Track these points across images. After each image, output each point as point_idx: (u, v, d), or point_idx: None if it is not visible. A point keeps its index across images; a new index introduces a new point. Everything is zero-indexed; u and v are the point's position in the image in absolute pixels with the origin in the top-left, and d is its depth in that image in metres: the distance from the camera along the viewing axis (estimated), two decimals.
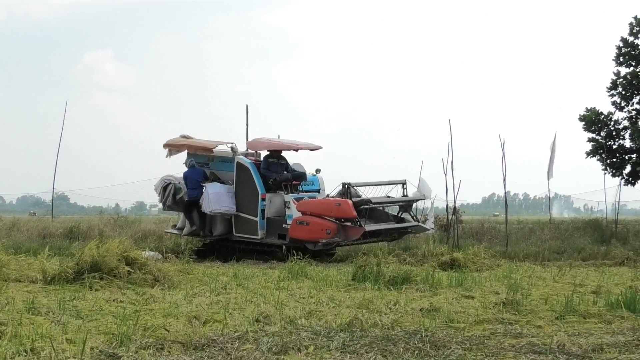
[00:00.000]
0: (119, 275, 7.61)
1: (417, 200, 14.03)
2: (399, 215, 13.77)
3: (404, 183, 13.75)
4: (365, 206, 12.72)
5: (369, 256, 10.63)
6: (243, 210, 13.73)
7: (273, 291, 7.32)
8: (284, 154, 14.29)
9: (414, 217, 14.11)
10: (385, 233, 13.42)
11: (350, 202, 12.40)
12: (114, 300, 6.51)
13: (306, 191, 14.22)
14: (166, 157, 14.95)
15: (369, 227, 12.71)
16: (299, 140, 14.56)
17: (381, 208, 13.63)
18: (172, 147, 14.83)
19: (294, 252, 11.61)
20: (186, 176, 14.32)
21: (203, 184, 14.00)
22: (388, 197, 13.48)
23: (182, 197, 14.41)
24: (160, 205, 15.47)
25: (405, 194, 13.71)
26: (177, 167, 14.47)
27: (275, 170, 13.70)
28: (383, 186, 13.55)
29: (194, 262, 11.40)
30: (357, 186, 13.15)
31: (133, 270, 7.83)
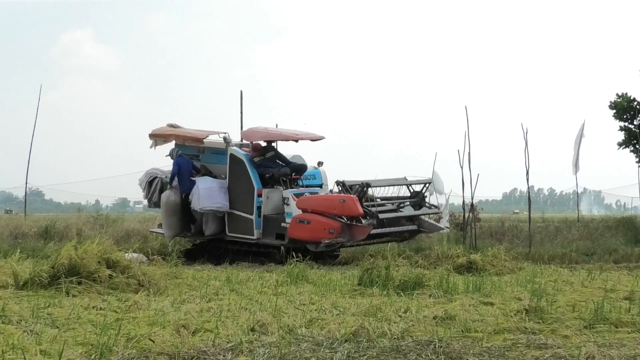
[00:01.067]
0: (99, 280, 7.64)
1: (425, 185, 14.08)
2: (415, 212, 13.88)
3: (429, 182, 14.11)
4: (372, 203, 12.88)
5: (376, 258, 10.66)
6: (237, 208, 13.77)
7: (270, 297, 7.35)
8: (283, 145, 14.39)
9: (432, 207, 14.19)
10: (395, 232, 13.54)
11: (355, 197, 12.47)
12: (93, 307, 6.53)
13: (307, 186, 14.27)
14: (151, 148, 14.96)
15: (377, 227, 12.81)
16: (299, 130, 14.59)
17: (390, 204, 13.73)
18: (159, 138, 14.85)
19: (294, 253, 11.63)
20: (179, 163, 14.24)
21: (193, 178, 14.11)
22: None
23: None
24: (145, 202, 15.50)
25: (425, 195, 13.88)
26: (164, 159, 14.78)
27: (268, 165, 13.77)
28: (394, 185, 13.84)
29: (182, 265, 11.44)
30: (353, 184, 13.15)
31: (115, 274, 7.86)
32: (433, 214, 14.21)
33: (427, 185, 14.13)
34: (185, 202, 14.20)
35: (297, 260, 10.44)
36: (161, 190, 14.56)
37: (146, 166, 15.29)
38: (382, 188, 13.72)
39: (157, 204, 14.91)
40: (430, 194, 14.89)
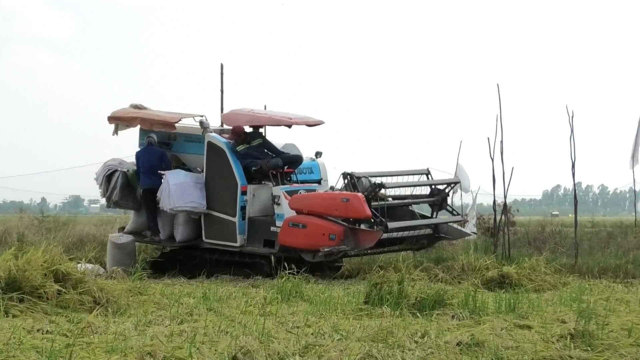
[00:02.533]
0: (45, 297, 7.67)
1: (451, 184, 14.21)
2: (433, 215, 14.03)
3: (426, 173, 14.00)
4: (382, 203, 12.90)
5: (387, 270, 10.73)
6: (216, 208, 13.80)
7: (257, 318, 7.38)
8: (273, 132, 14.53)
9: (453, 211, 14.27)
10: (410, 238, 13.55)
11: (362, 196, 12.53)
12: (38, 330, 6.54)
13: (302, 182, 14.30)
14: (112, 134, 14.96)
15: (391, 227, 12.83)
16: (293, 113, 14.54)
17: (405, 206, 13.83)
18: (120, 121, 14.84)
19: (286, 264, 11.50)
20: (138, 157, 14.45)
21: (162, 172, 14.09)
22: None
23: (134, 188, 14.68)
24: (103, 201, 15.57)
25: (448, 195, 13.94)
26: (127, 147, 15.11)
27: (254, 156, 13.80)
28: (403, 178, 13.87)
29: (148, 279, 11.50)
30: (366, 177, 13.33)
31: (65, 290, 7.91)
32: (455, 221, 14.22)
33: (452, 185, 14.25)
34: (148, 200, 14.37)
35: (289, 273, 10.41)
36: (123, 187, 14.63)
37: (105, 157, 15.42)
38: (393, 180, 13.79)
39: (117, 204, 14.99)
40: (454, 193, 14.98)
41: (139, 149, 14.72)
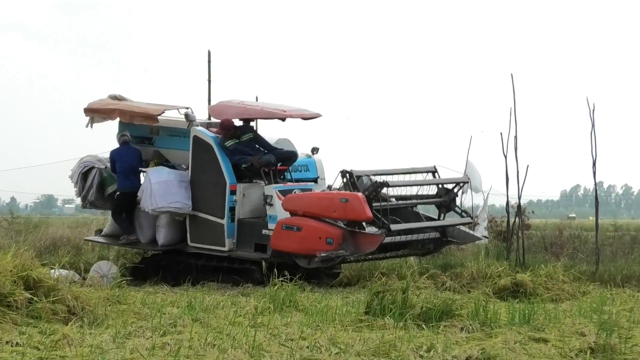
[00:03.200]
0: (14, 306, 7.64)
1: (460, 184, 14.23)
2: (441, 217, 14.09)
3: (433, 172, 14.02)
4: (385, 203, 12.93)
5: (390, 278, 10.79)
6: (202, 209, 13.82)
7: (247, 330, 7.38)
8: (265, 125, 14.62)
9: (463, 213, 14.28)
10: (415, 242, 13.60)
11: (362, 196, 12.56)
12: (7, 342, 6.55)
13: (297, 180, 14.32)
14: (87, 126, 15.00)
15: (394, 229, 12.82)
16: (287, 105, 14.52)
17: (410, 207, 13.89)
18: (97, 114, 14.86)
19: (278, 271, 11.62)
20: (114, 157, 14.48)
21: (143, 169, 14.16)
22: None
23: (111, 188, 14.70)
24: (79, 201, 15.54)
25: (457, 195, 13.99)
26: (105, 143, 15.11)
27: (245, 152, 13.82)
28: (408, 177, 13.86)
29: (128, 286, 11.23)
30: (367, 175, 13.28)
31: (36, 298, 7.89)
32: (465, 224, 14.29)
33: (462, 184, 14.23)
34: (123, 202, 14.42)
35: (283, 280, 10.44)
36: (100, 185, 14.66)
37: (81, 153, 15.80)
38: (397, 179, 13.74)
39: (93, 204, 15.04)
40: (464, 193, 14.85)
41: (114, 148, 14.73)
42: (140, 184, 14.13)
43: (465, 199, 15.10)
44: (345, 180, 13.14)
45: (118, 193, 14.45)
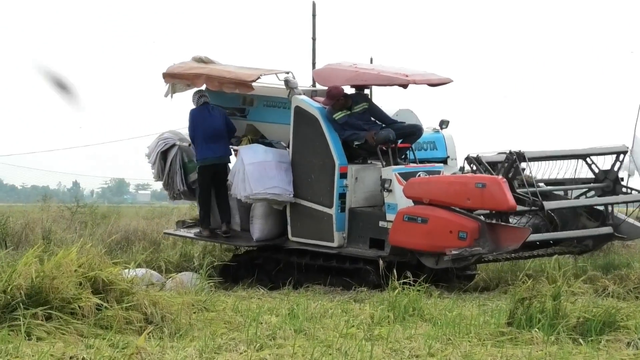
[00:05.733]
0: (80, 313, 7.52)
1: (617, 156, 13.53)
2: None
3: (585, 156, 13.48)
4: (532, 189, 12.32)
5: (538, 281, 10.24)
6: (306, 196, 13.31)
7: (361, 344, 7.20)
8: (382, 93, 14.22)
9: (631, 191, 13.54)
10: (570, 239, 13.03)
11: (503, 179, 11.97)
12: (71, 357, 6.50)
13: (422, 161, 13.50)
14: (166, 95, 14.47)
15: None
16: (409, 69, 13.77)
17: (562, 194, 13.33)
18: (180, 79, 14.30)
19: (399, 272, 10.83)
20: (195, 119, 13.85)
21: (234, 147, 13.67)
22: None
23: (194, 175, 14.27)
24: (157, 186, 16.12)
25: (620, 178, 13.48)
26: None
27: (357, 126, 13.15)
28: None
29: (217, 290, 11.42)
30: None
31: (106, 304, 7.77)
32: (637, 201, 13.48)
33: (620, 156, 13.41)
34: (205, 179, 13.84)
35: (405, 283, 9.96)
36: (184, 168, 14.15)
37: (159, 129, 14.88)
38: (542, 167, 13.25)
39: (186, 194, 14.62)
40: (631, 176, 13.91)
41: (193, 108, 14.08)
42: (230, 154, 13.77)
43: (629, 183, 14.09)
44: (473, 167, 12.86)
45: (199, 166, 13.86)
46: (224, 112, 13.99)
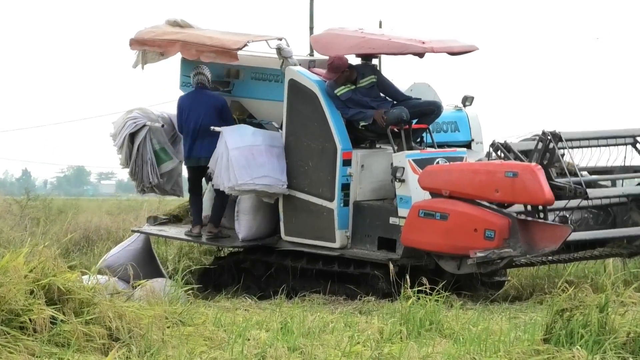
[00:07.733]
0: (31, 327, 7.34)
1: None
2: None
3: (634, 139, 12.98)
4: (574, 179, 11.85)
5: (580, 289, 9.25)
6: (303, 187, 12.92)
7: None
8: (392, 64, 13.94)
9: None
10: (618, 239, 12.44)
11: (539, 167, 11.58)
12: None
13: (441, 145, 13.06)
14: (135, 66, 13.77)
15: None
16: (426, 35, 13.11)
17: (609, 183, 12.85)
18: (150, 47, 13.60)
19: (413, 278, 10.64)
20: (183, 107, 13.25)
21: (215, 128, 12.79)
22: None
23: (167, 165, 13.74)
24: (123, 174, 15.11)
25: None
26: (159, 92, 15.28)
27: (364, 103, 12.70)
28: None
29: (195, 299, 10.77)
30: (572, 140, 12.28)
31: (63, 316, 7.55)
32: None
33: None
34: (196, 177, 13.49)
35: (420, 292, 9.68)
36: (156, 156, 13.54)
37: (128, 106, 14.42)
38: (581, 153, 12.73)
39: (159, 188, 14.13)
40: None
41: (183, 94, 13.44)
42: None
43: None
44: (500, 154, 12.46)
45: (188, 167, 13.51)
46: (222, 101, 13.30)
